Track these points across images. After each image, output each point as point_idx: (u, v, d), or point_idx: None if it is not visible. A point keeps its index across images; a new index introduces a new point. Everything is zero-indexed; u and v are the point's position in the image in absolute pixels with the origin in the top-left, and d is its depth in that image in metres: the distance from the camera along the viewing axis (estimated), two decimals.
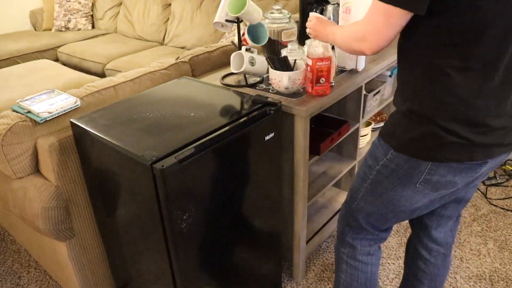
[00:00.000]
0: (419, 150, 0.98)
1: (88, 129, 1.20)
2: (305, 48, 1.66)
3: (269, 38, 1.68)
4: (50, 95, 1.42)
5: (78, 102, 1.38)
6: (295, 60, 1.46)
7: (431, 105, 0.93)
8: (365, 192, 1.15)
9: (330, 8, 1.83)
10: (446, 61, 0.90)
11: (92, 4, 4.07)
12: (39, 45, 3.66)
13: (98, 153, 1.22)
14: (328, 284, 1.76)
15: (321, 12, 1.85)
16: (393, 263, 1.84)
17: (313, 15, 1.30)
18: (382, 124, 2.13)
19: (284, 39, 1.72)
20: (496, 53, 0.87)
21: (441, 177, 0.99)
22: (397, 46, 1.03)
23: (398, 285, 1.73)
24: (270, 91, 1.50)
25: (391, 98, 2.05)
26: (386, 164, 1.06)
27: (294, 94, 1.46)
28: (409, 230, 2.02)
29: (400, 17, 0.89)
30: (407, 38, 0.96)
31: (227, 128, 1.19)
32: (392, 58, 1.79)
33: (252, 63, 1.47)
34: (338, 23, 1.59)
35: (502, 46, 0.87)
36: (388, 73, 1.98)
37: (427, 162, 0.98)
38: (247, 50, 1.52)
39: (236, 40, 1.63)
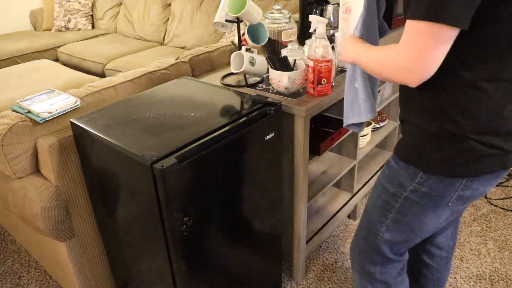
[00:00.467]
0: (454, 168, 0.92)
1: (88, 129, 1.20)
2: (305, 48, 1.66)
3: (269, 38, 1.68)
4: (50, 95, 1.42)
5: (78, 102, 1.38)
6: (295, 60, 1.46)
7: (464, 121, 0.88)
8: (391, 223, 1.07)
9: (330, 8, 1.83)
10: (479, 74, 0.85)
11: (92, 4, 4.07)
12: (39, 45, 3.66)
13: (98, 153, 1.22)
14: (328, 284, 1.76)
15: (321, 13, 1.85)
16: None
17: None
18: (382, 124, 2.13)
19: (284, 39, 1.72)
20: None
21: (474, 190, 0.96)
22: None
23: None
24: (270, 91, 1.50)
25: (391, 98, 2.05)
26: (415, 188, 0.98)
27: (294, 94, 1.46)
28: None
29: (450, 36, 0.78)
30: None
31: (227, 128, 1.19)
32: None
33: (252, 63, 1.47)
34: (338, 24, 1.59)
35: None
36: None
37: (462, 178, 0.93)
38: (247, 50, 1.52)
39: (236, 40, 1.63)
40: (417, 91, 0.94)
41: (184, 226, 1.12)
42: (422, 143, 0.95)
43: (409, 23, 0.80)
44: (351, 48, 1.07)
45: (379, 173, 1.06)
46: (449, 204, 0.98)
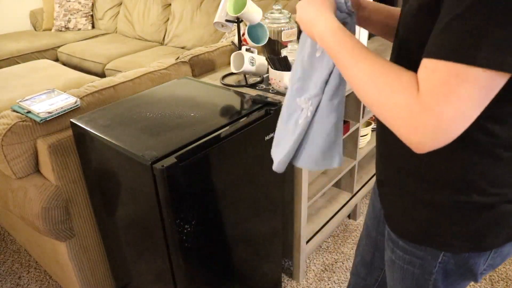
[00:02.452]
0: (482, 240, 0.76)
1: (88, 129, 1.20)
2: None
3: (269, 38, 1.68)
4: (50, 95, 1.42)
5: (78, 102, 1.38)
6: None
7: (495, 190, 0.71)
8: None
9: None
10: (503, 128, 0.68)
11: (92, 4, 4.07)
12: (39, 45, 3.66)
13: (98, 153, 1.22)
14: (328, 284, 1.76)
15: None
16: None
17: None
18: None
19: (284, 39, 1.72)
20: None
21: (504, 255, 0.81)
22: None
23: None
24: (270, 91, 1.50)
25: None
26: (441, 268, 0.81)
27: None
28: None
29: (499, 87, 0.55)
30: None
31: (227, 128, 1.19)
32: None
33: (252, 63, 1.47)
34: None
35: None
36: None
37: (491, 249, 0.78)
38: (247, 50, 1.52)
39: (236, 40, 1.63)
40: (434, 157, 0.71)
41: (184, 226, 1.12)
42: (433, 218, 0.76)
43: (448, 67, 0.54)
44: (322, 14, 0.74)
45: (387, 251, 0.89)
46: (480, 274, 0.83)
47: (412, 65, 0.62)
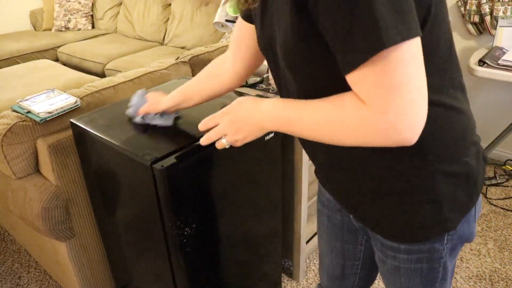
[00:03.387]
0: (469, 200, 0.77)
1: (88, 129, 1.20)
2: None
3: None
4: (50, 95, 1.42)
5: (78, 102, 1.38)
6: None
7: (462, 147, 0.74)
8: None
9: None
10: (454, 84, 0.72)
11: (92, 4, 4.07)
12: (39, 45, 3.66)
13: (98, 153, 1.22)
14: None
15: None
16: None
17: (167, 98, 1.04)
18: None
19: None
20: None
21: (479, 201, 0.83)
22: None
23: None
24: (270, 91, 1.50)
25: None
26: (449, 246, 0.81)
27: None
28: None
29: (420, 49, 0.58)
30: None
31: None
32: None
33: None
34: None
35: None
36: None
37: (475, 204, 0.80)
38: None
39: None
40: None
41: (184, 226, 1.12)
42: (426, 209, 0.75)
43: (378, 62, 0.55)
44: (268, 110, 0.73)
45: (387, 260, 0.86)
46: (475, 228, 0.85)
47: (328, 91, 0.65)
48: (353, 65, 0.57)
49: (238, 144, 0.79)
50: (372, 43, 0.54)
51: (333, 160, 0.78)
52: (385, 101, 0.56)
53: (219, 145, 0.80)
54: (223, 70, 1.03)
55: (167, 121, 1.16)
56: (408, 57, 0.55)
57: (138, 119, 1.16)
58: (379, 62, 0.55)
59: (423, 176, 0.72)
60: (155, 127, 1.17)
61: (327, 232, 1.03)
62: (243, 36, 0.95)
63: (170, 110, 1.14)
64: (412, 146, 0.62)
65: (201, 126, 0.81)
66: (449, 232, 0.77)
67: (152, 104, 1.14)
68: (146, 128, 1.18)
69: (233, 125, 0.77)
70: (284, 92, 0.82)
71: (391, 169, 0.72)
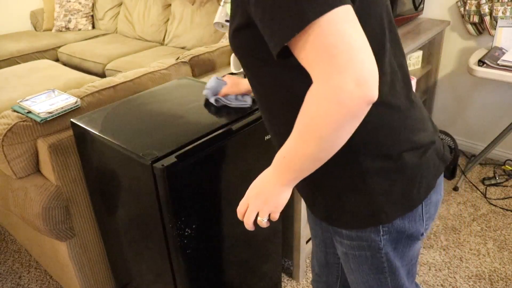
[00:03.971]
0: (409, 198, 0.78)
1: (89, 129, 1.20)
2: None
3: None
4: (51, 95, 1.42)
5: (79, 102, 1.38)
6: None
7: (395, 143, 0.75)
8: (391, 278, 0.89)
9: None
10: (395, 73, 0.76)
11: (93, 5, 4.08)
12: (40, 45, 3.67)
13: (98, 153, 1.22)
14: None
15: None
16: None
17: None
18: None
19: None
20: None
21: (435, 204, 0.86)
22: None
23: None
24: None
25: None
26: (386, 239, 0.82)
27: None
28: None
29: (352, 13, 0.59)
30: None
31: (227, 127, 1.19)
32: None
33: None
34: None
35: None
36: None
37: (420, 203, 0.81)
38: None
39: None
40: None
41: (185, 227, 1.13)
42: (360, 199, 0.77)
43: (314, 38, 0.56)
44: (270, 170, 0.75)
45: (338, 246, 0.90)
46: (424, 229, 0.86)
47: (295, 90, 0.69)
48: (286, 36, 0.57)
49: (275, 215, 0.81)
50: (298, 20, 0.55)
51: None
52: (325, 66, 0.56)
53: (261, 224, 0.84)
54: None
55: (245, 102, 1.24)
56: (339, 20, 0.55)
57: (213, 100, 1.24)
58: (315, 32, 0.56)
59: (356, 170, 0.75)
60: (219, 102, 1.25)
61: (309, 218, 1.09)
62: None
63: (249, 92, 1.25)
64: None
65: (239, 216, 0.86)
66: (383, 224, 0.79)
67: (233, 85, 1.24)
68: (146, 128, 1.18)
69: (258, 200, 0.80)
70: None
71: (326, 165, 0.72)
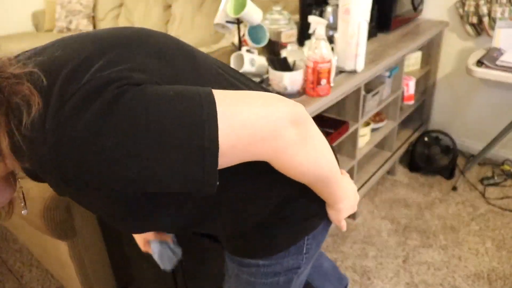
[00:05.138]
0: (323, 207, 0.85)
1: None
2: (305, 49, 1.68)
3: (269, 39, 1.70)
4: None
5: None
6: (295, 61, 1.48)
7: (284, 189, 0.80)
8: None
9: (329, 9, 1.85)
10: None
11: (94, 5, 4.09)
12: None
13: None
14: None
15: (320, 14, 1.87)
16: (392, 262, 1.85)
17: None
18: (381, 124, 2.14)
19: (283, 40, 1.74)
20: None
21: (319, 241, 0.92)
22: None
23: (396, 283, 1.75)
24: (270, 91, 1.52)
25: (390, 98, 2.06)
26: (308, 254, 0.88)
27: (293, 95, 1.47)
28: (408, 229, 2.04)
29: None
30: None
31: None
32: (390, 59, 1.80)
33: (252, 64, 1.49)
34: (337, 25, 1.61)
35: None
36: (387, 73, 2.00)
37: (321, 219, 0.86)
38: (247, 51, 1.54)
39: (236, 41, 1.64)
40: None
41: None
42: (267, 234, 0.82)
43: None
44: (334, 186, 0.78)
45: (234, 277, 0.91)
46: (304, 256, 0.89)
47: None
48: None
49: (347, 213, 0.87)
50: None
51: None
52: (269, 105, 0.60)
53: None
54: None
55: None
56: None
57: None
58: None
59: (260, 214, 0.79)
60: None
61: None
62: None
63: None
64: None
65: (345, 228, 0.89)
66: (305, 237, 0.84)
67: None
68: None
69: (350, 206, 0.86)
70: None
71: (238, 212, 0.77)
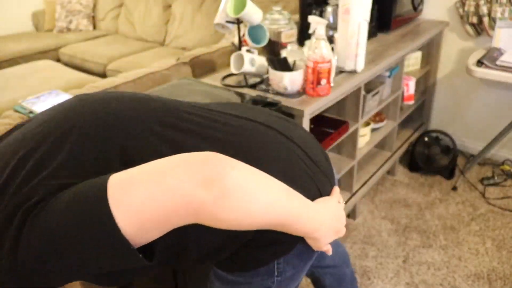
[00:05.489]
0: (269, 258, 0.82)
1: None
2: (305, 49, 1.68)
3: (269, 39, 1.70)
4: (52, 95, 1.44)
5: None
6: (295, 60, 1.48)
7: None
8: None
9: (329, 9, 1.85)
10: None
11: (93, 5, 4.10)
12: (41, 46, 3.68)
13: None
14: None
15: (320, 14, 1.87)
16: (392, 262, 1.85)
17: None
18: (381, 124, 2.14)
19: (283, 40, 1.74)
20: None
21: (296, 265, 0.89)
22: None
23: (396, 283, 1.75)
24: (270, 91, 1.52)
25: (390, 98, 2.06)
26: (281, 278, 0.85)
27: (293, 95, 1.47)
28: (408, 229, 2.04)
29: None
30: None
31: None
32: (390, 59, 1.80)
33: (252, 64, 1.49)
34: (337, 25, 1.61)
35: None
36: (387, 73, 2.00)
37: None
38: (247, 51, 1.54)
39: (236, 41, 1.64)
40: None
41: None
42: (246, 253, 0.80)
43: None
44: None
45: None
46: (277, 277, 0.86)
47: None
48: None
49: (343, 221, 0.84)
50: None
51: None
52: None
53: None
54: None
55: None
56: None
57: None
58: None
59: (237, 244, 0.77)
60: None
61: None
62: None
63: None
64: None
65: (330, 253, 0.86)
66: (281, 258, 0.82)
67: None
68: None
69: (331, 232, 0.81)
70: None
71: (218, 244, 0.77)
